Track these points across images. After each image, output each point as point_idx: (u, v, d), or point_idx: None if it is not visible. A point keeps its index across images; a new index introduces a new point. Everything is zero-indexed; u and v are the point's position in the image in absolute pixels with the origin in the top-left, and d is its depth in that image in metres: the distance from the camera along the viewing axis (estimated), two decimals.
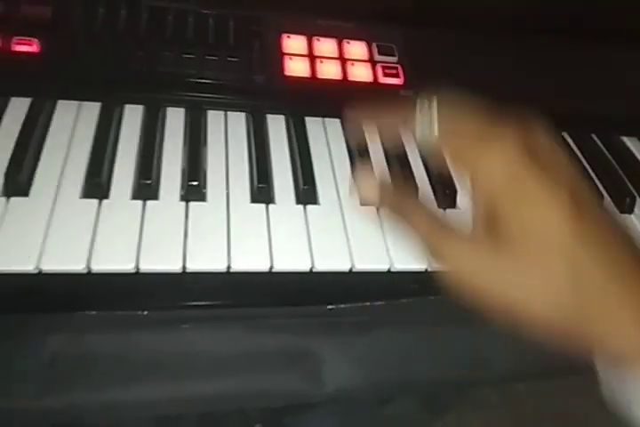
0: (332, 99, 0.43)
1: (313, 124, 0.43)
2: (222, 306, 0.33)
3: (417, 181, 0.40)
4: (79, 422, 0.43)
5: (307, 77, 0.43)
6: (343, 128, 0.44)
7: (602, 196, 0.42)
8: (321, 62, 0.44)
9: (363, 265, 0.34)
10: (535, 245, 0.23)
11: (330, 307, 0.34)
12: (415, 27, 0.47)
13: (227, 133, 0.41)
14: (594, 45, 0.49)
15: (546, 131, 0.26)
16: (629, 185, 0.44)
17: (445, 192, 0.39)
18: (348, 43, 0.45)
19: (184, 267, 0.32)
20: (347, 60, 0.45)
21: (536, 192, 0.24)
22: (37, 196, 0.34)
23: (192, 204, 0.35)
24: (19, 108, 0.38)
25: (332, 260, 0.34)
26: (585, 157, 0.46)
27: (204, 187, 0.36)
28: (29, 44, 0.40)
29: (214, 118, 0.41)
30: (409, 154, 0.42)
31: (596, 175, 0.45)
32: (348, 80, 0.44)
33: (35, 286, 0.31)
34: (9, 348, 0.31)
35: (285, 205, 0.37)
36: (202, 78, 0.41)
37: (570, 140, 0.47)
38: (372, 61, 0.45)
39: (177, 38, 0.42)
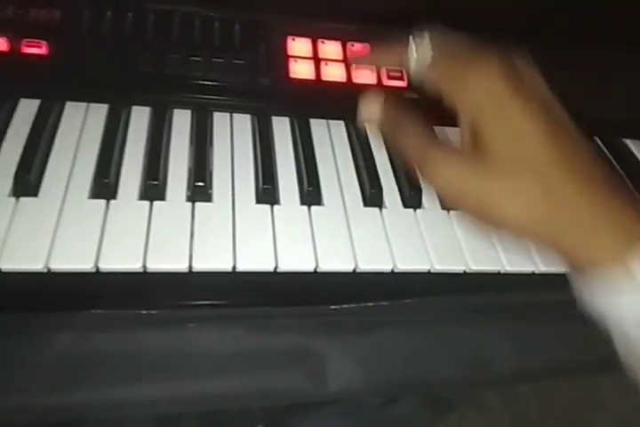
0: (336, 101, 0.44)
1: (317, 126, 0.43)
2: (227, 305, 0.34)
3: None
4: (84, 420, 0.43)
5: (311, 80, 0.44)
6: (347, 130, 0.44)
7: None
8: (326, 65, 0.45)
9: (366, 265, 0.35)
10: (511, 161, 0.25)
11: (333, 307, 0.34)
12: None
13: (232, 135, 0.41)
14: (593, 47, 0.49)
15: (528, 60, 0.28)
16: (632, 187, 0.44)
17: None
18: (353, 45, 0.46)
19: (190, 266, 0.32)
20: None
21: (514, 112, 0.25)
22: (46, 196, 0.34)
23: (198, 204, 0.36)
24: (28, 109, 0.39)
25: (335, 260, 0.35)
26: None
27: (210, 188, 0.37)
28: (38, 47, 0.40)
29: (220, 120, 0.42)
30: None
31: None
32: (352, 82, 0.44)
33: (43, 285, 0.31)
34: (16, 345, 0.31)
35: (290, 206, 0.37)
36: (208, 80, 0.42)
37: None
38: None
39: (183, 41, 0.43)
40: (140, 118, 0.40)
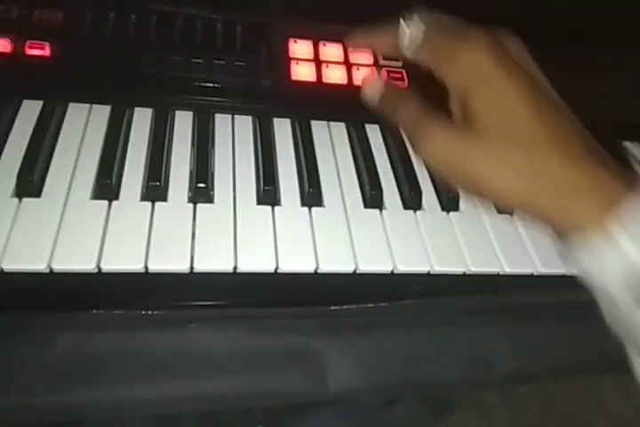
0: (337, 103, 0.44)
1: (318, 128, 0.43)
2: (228, 306, 0.34)
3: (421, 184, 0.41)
4: (84, 420, 0.43)
5: (312, 82, 0.44)
6: (348, 131, 0.44)
7: None
8: (327, 67, 0.45)
9: (366, 267, 0.35)
10: (497, 132, 0.27)
11: (333, 308, 0.34)
12: None
13: (234, 136, 0.41)
14: (594, 49, 0.49)
15: (515, 37, 0.29)
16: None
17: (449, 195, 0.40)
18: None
19: (191, 267, 0.33)
20: (352, 64, 0.45)
21: (500, 85, 0.27)
22: (49, 197, 0.34)
23: (200, 205, 0.36)
24: (31, 110, 0.39)
25: (336, 261, 0.35)
26: None
27: (212, 189, 0.37)
28: (41, 48, 0.40)
29: (222, 121, 0.42)
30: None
31: None
32: (353, 85, 0.44)
33: (45, 285, 0.32)
34: (17, 345, 0.32)
35: (291, 208, 0.37)
36: (210, 82, 0.42)
37: None
38: (377, 66, 0.45)
39: (185, 43, 0.43)
40: (142, 120, 0.41)
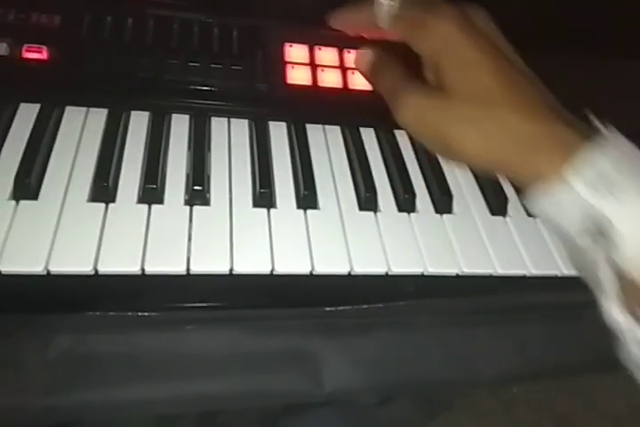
0: (332, 106, 0.44)
1: (314, 131, 0.44)
2: (224, 307, 0.34)
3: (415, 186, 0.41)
4: (83, 421, 0.44)
5: (308, 86, 0.44)
6: (343, 135, 0.45)
7: None
8: (322, 71, 0.45)
9: (361, 268, 0.35)
10: (466, 94, 0.29)
11: (328, 309, 0.35)
12: None
13: (230, 140, 0.42)
14: (585, 55, 0.50)
15: (483, 12, 0.31)
16: None
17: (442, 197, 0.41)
18: (349, 52, 0.47)
19: (188, 269, 0.33)
20: (347, 68, 0.46)
21: (466, 52, 0.29)
22: (46, 199, 0.35)
23: (196, 208, 0.36)
24: (28, 113, 0.39)
25: (331, 263, 0.35)
26: None
27: (208, 191, 0.37)
28: (39, 52, 0.41)
29: (218, 125, 0.42)
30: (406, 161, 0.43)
31: None
32: (348, 88, 0.45)
33: (42, 287, 0.32)
34: (15, 346, 0.32)
35: (286, 210, 0.38)
36: (206, 86, 0.42)
37: None
38: None
39: (182, 47, 0.43)
40: (139, 123, 0.41)
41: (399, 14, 0.32)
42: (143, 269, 0.32)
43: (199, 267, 0.33)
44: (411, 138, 0.45)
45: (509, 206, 0.42)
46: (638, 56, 0.52)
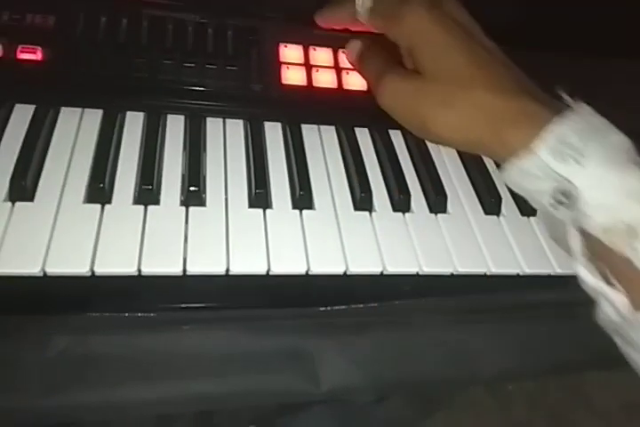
0: (327, 107, 0.45)
1: (309, 132, 0.44)
2: (221, 308, 0.34)
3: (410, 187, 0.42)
4: (81, 422, 0.44)
5: (303, 86, 0.45)
6: (338, 135, 0.45)
7: None
8: (317, 71, 0.45)
9: (356, 268, 0.36)
10: (439, 76, 0.31)
11: (323, 308, 0.35)
12: None
13: (225, 140, 0.42)
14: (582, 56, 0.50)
15: (457, 1, 0.33)
16: None
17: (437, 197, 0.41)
18: (344, 52, 0.47)
19: (184, 270, 0.33)
20: (342, 69, 0.46)
21: (437, 36, 0.31)
22: (42, 201, 0.35)
23: (192, 209, 0.36)
24: (23, 114, 0.39)
25: (327, 263, 0.35)
26: None
27: (204, 192, 0.37)
28: (33, 53, 0.41)
29: (213, 125, 0.43)
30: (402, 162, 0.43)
31: None
32: (342, 89, 0.45)
33: (39, 289, 0.32)
34: (13, 348, 0.32)
35: (282, 210, 0.38)
36: (201, 86, 0.42)
37: None
38: None
39: (177, 47, 0.43)
40: (134, 124, 0.41)
41: (374, 7, 0.35)
42: (140, 270, 0.33)
43: (195, 268, 0.33)
44: (405, 138, 0.46)
45: (503, 206, 0.42)
46: (638, 56, 0.52)
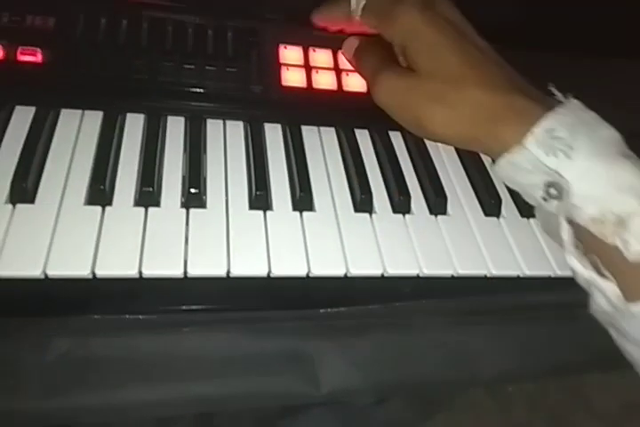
0: (327, 108, 0.45)
1: (309, 133, 0.44)
2: (221, 310, 0.34)
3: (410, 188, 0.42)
4: (81, 424, 0.44)
5: (303, 87, 0.45)
6: (338, 136, 0.45)
7: None
8: (317, 73, 0.45)
9: (357, 270, 0.36)
10: (433, 74, 0.32)
11: (323, 311, 0.35)
12: None
13: (225, 142, 0.42)
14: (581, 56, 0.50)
15: (449, 1, 0.34)
16: None
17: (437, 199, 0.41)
18: (342, 52, 0.47)
19: (185, 272, 0.33)
20: (342, 70, 0.46)
21: (429, 36, 0.32)
22: (43, 203, 0.35)
23: (192, 211, 0.36)
24: (23, 116, 0.39)
25: (327, 265, 0.35)
26: None
27: (204, 194, 0.37)
28: (33, 54, 0.41)
29: (213, 127, 0.43)
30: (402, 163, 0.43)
31: None
32: (343, 90, 0.45)
33: (40, 291, 0.32)
34: (13, 350, 0.32)
35: (282, 212, 0.38)
36: (201, 88, 0.42)
37: None
38: None
39: (177, 49, 0.43)
40: (134, 125, 0.41)
41: (368, 6, 0.35)
42: (140, 273, 0.33)
43: (196, 270, 0.33)
44: (405, 139, 0.46)
45: (503, 207, 0.42)
46: (638, 56, 0.52)
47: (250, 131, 0.43)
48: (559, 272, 0.38)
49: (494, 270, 0.38)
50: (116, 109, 0.41)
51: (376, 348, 0.37)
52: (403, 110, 0.34)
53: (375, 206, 0.40)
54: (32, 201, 0.35)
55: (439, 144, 0.45)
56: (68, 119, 0.40)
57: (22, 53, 0.40)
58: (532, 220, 0.41)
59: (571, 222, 0.29)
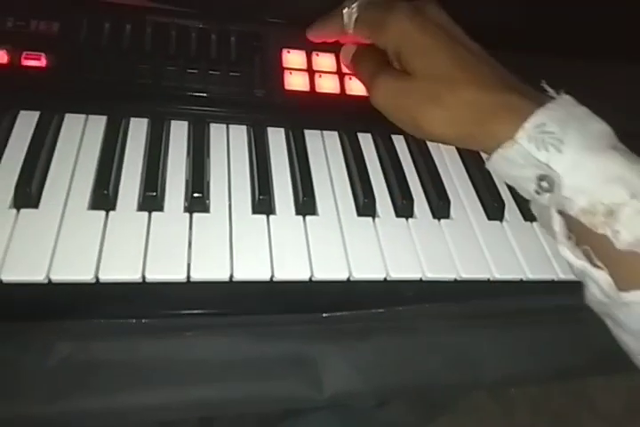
0: (330, 112, 0.45)
1: (312, 137, 0.44)
2: (224, 314, 0.34)
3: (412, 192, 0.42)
4: None
5: (306, 91, 0.45)
6: (341, 140, 0.45)
7: None
8: (320, 77, 0.45)
9: (360, 274, 0.36)
10: (426, 76, 0.33)
11: (326, 315, 0.35)
12: None
13: (229, 146, 0.42)
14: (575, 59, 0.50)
15: (433, 3, 0.36)
16: None
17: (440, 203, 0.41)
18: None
19: (188, 276, 0.33)
20: (345, 74, 0.46)
21: (421, 40, 0.33)
22: (46, 208, 0.35)
23: (196, 215, 0.36)
24: (27, 121, 0.39)
25: (330, 269, 0.35)
26: None
27: (207, 198, 0.37)
28: (38, 59, 0.41)
29: (216, 131, 0.43)
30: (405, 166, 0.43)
31: None
32: (346, 94, 0.45)
33: (43, 295, 0.32)
34: (16, 354, 0.32)
35: (285, 216, 0.38)
36: (205, 92, 0.43)
37: None
38: None
39: (180, 53, 0.44)
40: (138, 130, 0.41)
41: (360, 18, 0.37)
42: (144, 277, 0.33)
43: (199, 274, 0.33)
44: (408, 143, 0.46)
45: (506, 211, 0.42)
46: (637, 59, 0.52)
47: (253, 135, 0.43)
48: (562, 276, 0.38)
49: (497, 274, 0.37)
50: (119, 114, 0.41)
51: (379, 351, 0.37)
52: (399, 111, 0.35)
53: (378, 210, 0.40)
54: (36, 206, 0.35)
55: (442, 148, 0.45)
56: (72, 124, 0.40)
57: (26, 58, 0.41)
58: (535, 223, 0.41)
59: (562, 214, 0.30)
